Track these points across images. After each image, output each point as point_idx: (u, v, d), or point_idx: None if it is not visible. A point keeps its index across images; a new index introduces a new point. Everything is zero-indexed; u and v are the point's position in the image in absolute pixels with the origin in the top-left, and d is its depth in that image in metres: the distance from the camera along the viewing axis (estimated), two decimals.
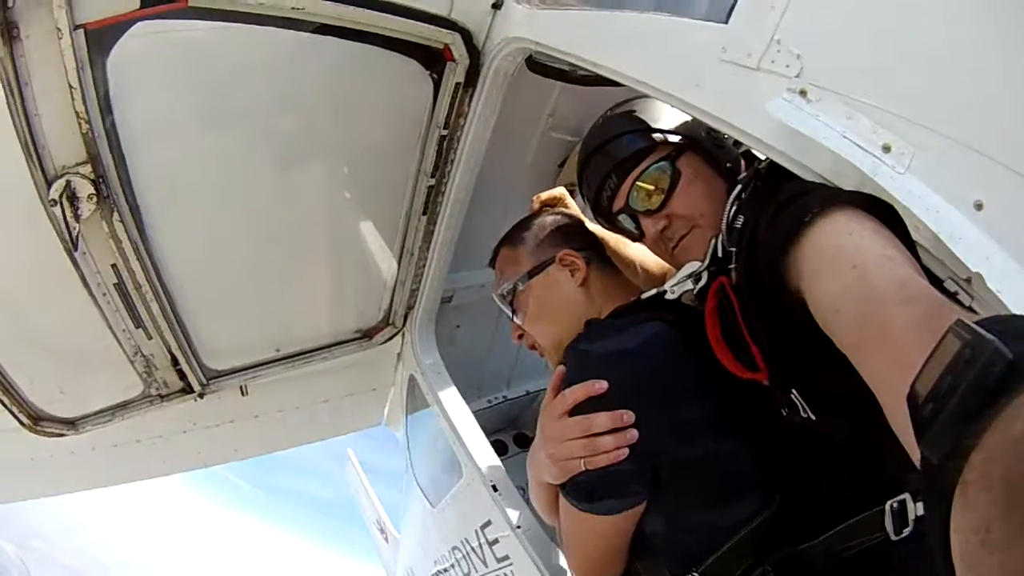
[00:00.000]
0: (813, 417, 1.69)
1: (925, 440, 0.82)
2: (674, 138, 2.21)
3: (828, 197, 1.59)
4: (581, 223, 2.69)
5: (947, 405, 0.79)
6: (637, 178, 2.20)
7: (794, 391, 1.70)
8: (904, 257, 1.40)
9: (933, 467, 0.79)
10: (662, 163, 2.18)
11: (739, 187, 2.02)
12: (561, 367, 2.04)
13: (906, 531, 1.54)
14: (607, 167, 2.26)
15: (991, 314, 1.40)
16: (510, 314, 2.54)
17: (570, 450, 1.90)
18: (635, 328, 2.06)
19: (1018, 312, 1.33)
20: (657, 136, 2.22)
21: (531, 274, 2.48)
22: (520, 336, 2.59)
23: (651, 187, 2.19)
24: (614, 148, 2.26)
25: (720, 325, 1.88)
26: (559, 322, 2.42)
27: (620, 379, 1.90)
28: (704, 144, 2.20)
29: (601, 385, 1.87)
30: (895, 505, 1.57)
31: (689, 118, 2.23)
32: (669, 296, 2.15)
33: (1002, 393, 0.74)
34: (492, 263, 2.73)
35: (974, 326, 0.83)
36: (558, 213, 2.75)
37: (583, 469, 1.88)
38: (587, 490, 1.94)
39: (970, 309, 1.48)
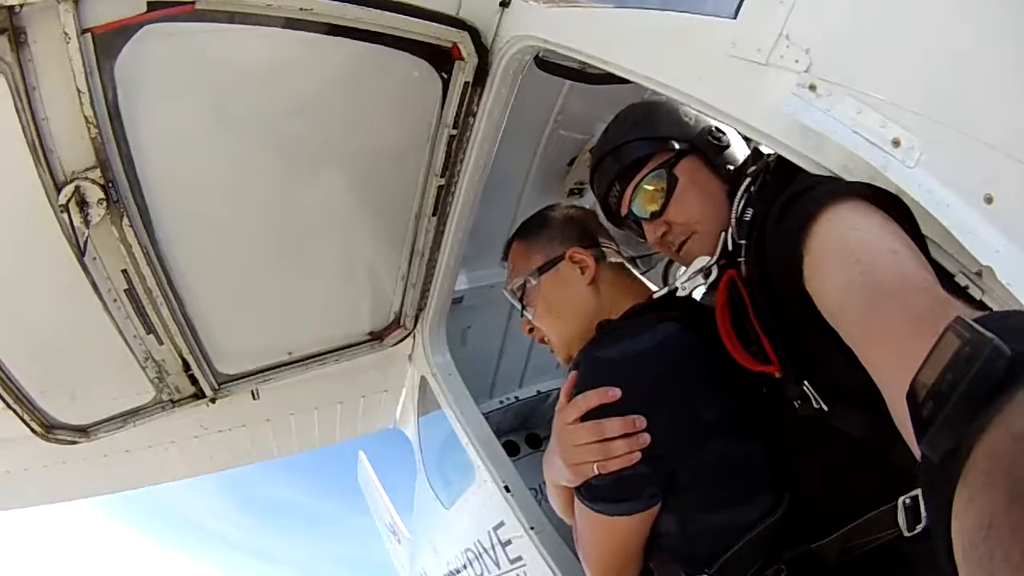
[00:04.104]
0: (826, 408, 1.68)
1: (926, 439, 0.82)
2: (674, 144, 2.22)
3: (835, 190, 1.58)
4: (595, 218, 2.70)
5: (947, 403, 0.80)
6: (636, 186, 2.25)
7: (806, 383, 1.69)
8: (909, 251, 1.39)
9: (934, 465, 0.79)
10: (659, 171, 2.22)
11: (748, 180, 2.02)
12: (574, 372, 2.04)
13: (919, 527, 1.53)
14: (611, 175, 2.32)
15: (1002, 308, 1.40)
16: (520, 309, 2.55)
17: (583, 455, 1.91)
18: (647, 331, 2.05)
19: None
20: (656, 143, 2.24)
21: (541, 270, 2.48)
22: (531, 330, 2.60)
23: (648, 195, 2.23)
24: (616, 156, 2.32)
25: (731, 318, 1.87)
26: (568, 319, 2.44)
27: (632, 384, 1.90)
28: (704, 148, 2.21)
29: (614, 392, 1.88)
30: (908, 501, 1.55)
31: (691, 120, 2.24)
32: (680, 293, 2.15)
33: (1002, 391, 0.74)
34: (505, 256, 2.74)
35: (973, 324, 0.83)
36: (571, 207, 2.75)
37: (596, 473, 1.89)
38: (601, 493, 1.95)
39: (981, 303, 1.47)
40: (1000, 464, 0.70)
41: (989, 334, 0.79)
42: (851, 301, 1.35)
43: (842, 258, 1.42)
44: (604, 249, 2.54)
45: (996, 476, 0.69)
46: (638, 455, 1.83)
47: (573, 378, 2.03)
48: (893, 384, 1.12)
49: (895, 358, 1.14)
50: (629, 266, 2.60)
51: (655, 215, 2.23)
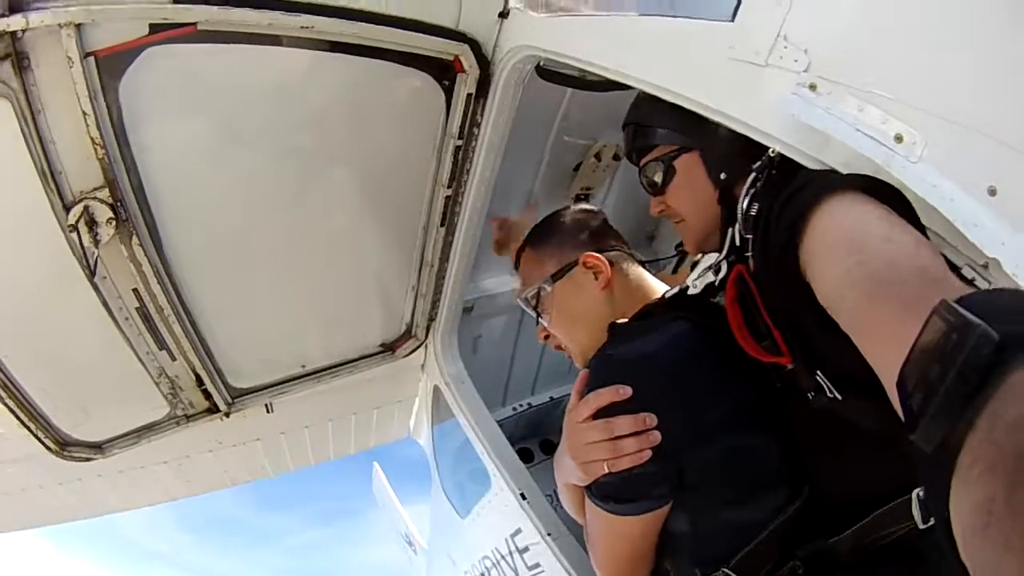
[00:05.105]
0: (840, 397, 1.68)
1: (918, 431, 0.82)
2: (681, 139, 2.23)
3: (832, 183, 1.59)
4: (604, 220, 2.71)
5: (936, 394, 0.79)
6: (643, 165, 2.30)
7: (819, 373, 1.69)
8: (906, 238, 1.38)
9: (928, 457, 0.79)
10: (659, 162, 2.25)
11: (753, 175, 2.01)
12: (585, 371, 2.04)
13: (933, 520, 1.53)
14: (629, 144, 2.38)
15: None
16: (535, 317, 2.55)
17: (593, 453, 1.90)
18: (658, 330, 2.06)
19: None
20: (667, 134, 2.26)
21: (555, 277, 2.49)
22: (546, 337, 2.60)
23: (651, 177, 2.28)
24: (635, 131, 2.35)
25: (742, 312, 1.87)
26: (584, 325, 2.44)
27: (643, 382, 1.89)
28: (708, 151, 2.21)
29: (625, 390, 1.87)
30: (922, 493, 1.55)
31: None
32: (692, 291, 2.15)
33: (992, 376, 0.74)
34: (516, 265, 2.74)
35: (958, 308, 0.82)
36: (580, 211, 2.75)
37: (606, 471, 1.88)
38: (612, 492, 1.94)
39: None
40: (994, 452, 0.70)
41: (975, 319, 0.78)
42: (847, 292, 1.36)
43: (838, 250, 1.43)
44: (616, 252, 2.55)
45: (991, 465, 0.69)
46: (648, 453, 1.83)
47: (584, 376, 2.03)
48: (886, 373, 1.13)
49: (885, 347, 1.15)
50: (641, 268, 2.59)
51: (656, 193, 2.29)
